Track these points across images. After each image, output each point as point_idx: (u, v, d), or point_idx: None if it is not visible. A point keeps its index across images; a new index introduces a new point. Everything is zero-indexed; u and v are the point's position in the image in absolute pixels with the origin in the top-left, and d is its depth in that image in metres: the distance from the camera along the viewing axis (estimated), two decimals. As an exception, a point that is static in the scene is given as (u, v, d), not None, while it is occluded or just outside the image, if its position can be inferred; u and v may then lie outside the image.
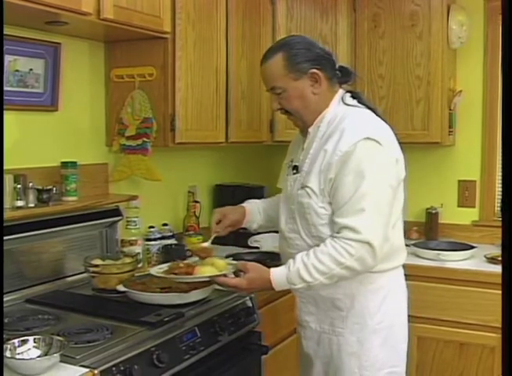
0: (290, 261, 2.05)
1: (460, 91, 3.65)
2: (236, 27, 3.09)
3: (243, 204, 2.50)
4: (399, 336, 2.23)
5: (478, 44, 3.71)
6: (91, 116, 2.85)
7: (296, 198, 2.16)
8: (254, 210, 2.49)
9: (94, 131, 2.87)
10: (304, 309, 2.29)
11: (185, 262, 2.39)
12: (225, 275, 2.15)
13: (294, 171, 2.21)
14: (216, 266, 2.20)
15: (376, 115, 2.16)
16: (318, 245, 2.05)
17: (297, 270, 2.00)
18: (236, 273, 2.15)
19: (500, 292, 3.01)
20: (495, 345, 3.05)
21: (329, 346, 2.21)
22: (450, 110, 3.56)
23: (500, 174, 3.74)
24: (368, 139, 2.00)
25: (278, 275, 2.04)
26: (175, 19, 2.68)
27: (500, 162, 3.73)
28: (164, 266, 2.39)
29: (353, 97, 2.20)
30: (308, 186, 2.10)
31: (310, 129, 2.16)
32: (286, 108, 2.16)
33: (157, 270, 2.34)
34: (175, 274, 2.23)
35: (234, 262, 2.29)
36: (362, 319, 2.15)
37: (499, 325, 3.03)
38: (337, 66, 2.20)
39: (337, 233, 2.01)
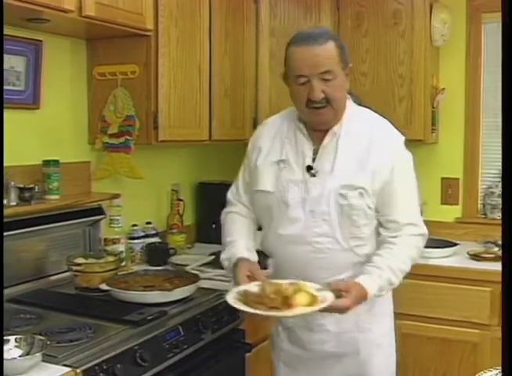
0: (374, 270, 1.97)
1: (443, 89, 3.67)
2: (219, 25, 3.09)
3: (245, 256, 2.09)
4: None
5: (461, 42, 3.73)
6: (73, 114, 2.83)
7: (333, 199, 2.02)
8: (254, 258, 2.14)
9: (76, 129, 2.85)
10: (316, 315, 2.05)
11: (272, 287, 1.86)
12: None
13: (312, 172, 2.06)
14: (303, 289, 1.84)
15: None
16: (357, 246, 2.05)
17: (388, 277, 1.99)
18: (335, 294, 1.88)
19: (483, 289, 3.07)
20: (478, 341, 3.08)
21: (353, 344, 2.14)
22: (433, 107, 3.58)
23: (483, 171, 3.77)
24: (404, 138, 2.13)
25: (372, 286, 1.95)
26: (158, 16, 2.67)
27: (482, 160, 3.76)
28: (236, 291, 1.90)
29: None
30: (361, 187, 2.01)
31: (336, 129, 2.07)
32: (332, 97, 2.00)
33: (234, 299, 1.86)
34: (270, 308, 1.78)
35: (317, 285, 1.90)
36: (383, 309, 2.19)
37: (482, 321, 3.08)
38: None
39: (400, 230, 2.05)
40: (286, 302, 1.79)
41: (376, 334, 2.17)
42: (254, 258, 2.13)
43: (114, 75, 2.78)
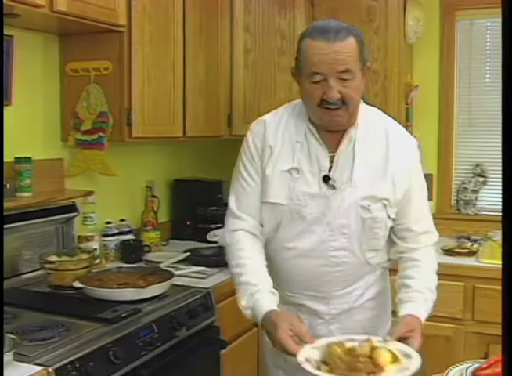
0: (415, 295, 1.89)
1: (417, 85, 3.69)
2: (193, 21, 3.07)
3: (272, 308, 1.81)
4: None
5: (434, 39, 3.76)
6: (45, 110, 2.80)
7: (353, 212, 1.88)
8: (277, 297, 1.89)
9: (49, 125, 2.82)
10: (318, 327, 1.99)
11: (362, 350, 1.64)
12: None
13: (331, 183, 1.88)
14: (375, 346, 1.66)
15: None
16: (371, 257, 1.95)
17: (432, 299, 1.94)
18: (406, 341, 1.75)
19: (456, 284, 3.09)
20: (451, 335, 3.11)
21: None
22: (407, 104, 3.59)
23: (456, 167, 3.81)
24: (417, 142, 2.03)
25: (421, 312, 1.86)
26: (131, 12, 2.65)
27: (456, 156, 3.80)
28: (314, 352, 1.67)
29: None
30: (384, 198, 1.89)
31: (352, 132, 1.90)
32: (349, 98, 1.80)
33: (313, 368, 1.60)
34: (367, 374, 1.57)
35: (378, 337, 1.75)
36: (387, 312, 2.13)
37: (455, 316, 3.10)
38: None
39: (418, 242, 1.98)
40: (376, 364, 1.60)
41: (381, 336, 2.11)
42: (277, 300, 1.87)
43: (87, 71, 2.76)
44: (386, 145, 1.92)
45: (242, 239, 1.96)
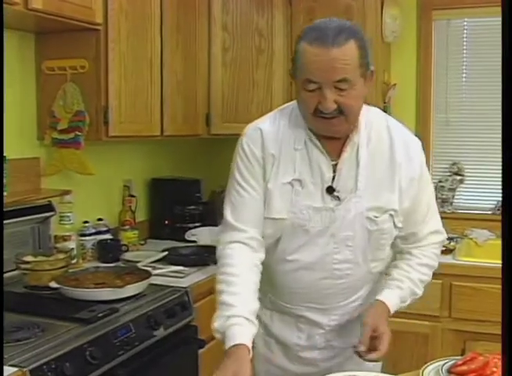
0: (393, 283, 1.87)
1: (394, 84, 3.71)
2: (171, 19, 3.06)
3: (242, 342, 1.62)
4: None
5: (411, 38, 3.79)
6: (21, 109, 2.77)
7: (358, 223, 1.79)
8: (252, 332, 1.69)
9: (24, 124, 2.79)
10: (317, 336, 1.96)
11: None
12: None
13: (335, 194, 1.78)
14: None
15: None
16: (375, 267, 1.89)
17: (409, 288, 1.88)
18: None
19: (434, 281, 3.08)
20: (429, 332, 3.13)
21: (356, 359, 1.86)
22: (384, 103, 3.61)
23: (433, 166, 3.83)
24: (421, 143, 1.91)
25: (393, 299, 1.84)
26: (108, 10, 2.63)
27: (433, 155, 3.83)
28: None
29: None
30: (392, 209, 1.80)
31: (354, 137, 1.78)
32: (346, 108, 1.68)
33: None
34: None
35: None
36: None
37: (433, 313, 3.13)
38: None
39: (420, 241, 1.92)
40: None
41: None
42: (254, 330, 1.67)
43: (64, 70, 2.73)
44: (390, 149, 1.80)
45: (235, 253, 1.79)
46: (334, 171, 1.79)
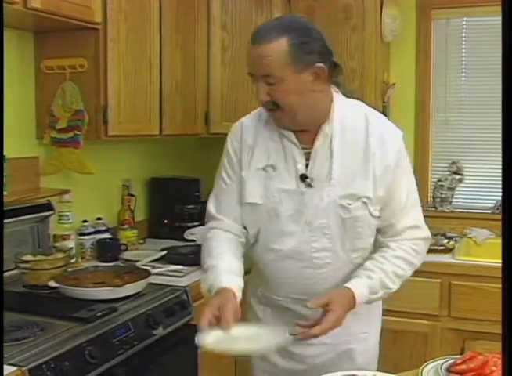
0: (363, 272, 1.85)
1: (393, 83, 3.71)
2: (170, 18, 3.06)
3: (224, 285, 1.77)
4: None
5: (411, 37, 3.79)
6: (20, 108, 2.76)
7: (332, 211, 1.84)
8: (237, 283, 1.82)
9: (24, 124, 2.79)
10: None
11: None
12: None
13: (308, 181, 1.85)
14: None
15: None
16: (357, 257, 1.90)
17: (380, 279, 1.85)
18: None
19: (433, 281, 3.11)
20: (428, 331, 3.13)
21: (350, 356, 1.98)
22: (384, 102, 3.61)
23: (433, 165, 3.84)
24: (403, 136, 1.92)
25: (359, 290, 1.81)
26: (107, 9, 2.63)
27: (432, 154, 3.83)
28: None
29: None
30: (365, 196, 1.83)
31: (326, 129, 1.85)
32: (279, 102, 1.79)
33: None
34: None
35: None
36: (378, 317, 2.10)
37: (432, 312, 3.13)
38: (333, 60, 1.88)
39: (399, 235, 1.90)
40: None
41: (372, 342, 2.07)
42: (237, 282, 1.81)
43: (63, 69, 2.73)
44: (366, 139, 1.85)
45: (215, 235, 1.95)
46: (308, 160, 1.87)
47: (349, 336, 1.95)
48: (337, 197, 1.83)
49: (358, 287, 1.82)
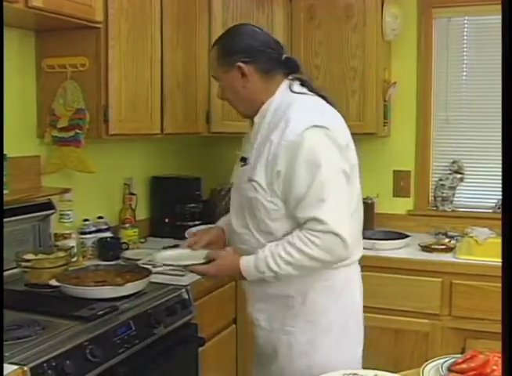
0: (259, 250, 2.00)
1: (395, 82, 3.71)
2: (171, 17, 3.06)
3: (218, 224, 2.37)
4: (354, 338, 2.17)
5: (412, 36, 3.78)
6: (21, 107, 2.77)
7: (243, 192, 2.07)
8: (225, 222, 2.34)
9: (25, 122, 2.79)
10: (256, 307, 2.17)
11: None
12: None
13: (242, 163, 2.10)
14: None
15: (327, 102, 2.12)
16: (270, 241, 2.00)
17: (265, 258, 1.96)
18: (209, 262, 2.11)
19: (434, 280, 3.11)
20: (429, 330, 3.12)
21: (278, 345, 2.10)
22: (385, 101, 3.61)
23: (434, 164, 3.84)
24: (316, 126, 1.94)
25: (246, 262, 2.01)
26: (108, 8, 2.63)
27: (433, 153, 3.83)
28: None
29: (302, 85, 2.13)
30: (254, 180, 2.00)
31: (256, 119, 2.11)
32: (225, 97, 2.19)
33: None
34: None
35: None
36: (314, 317, 2.07)
37: (433, 312, 3.12)
38: (283, 57, 2.13)
39: (302, 225, 1.96)
40: None
41: (299, 340, 2.07)
42: (225, 222, 2.29)
43: (64, 67, 2.73)
44: (272, 128, 2.03)
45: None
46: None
47: (280, 326, 2.11)
48: (245, 179, 2.06)
49: (246, 259, 2.02)
